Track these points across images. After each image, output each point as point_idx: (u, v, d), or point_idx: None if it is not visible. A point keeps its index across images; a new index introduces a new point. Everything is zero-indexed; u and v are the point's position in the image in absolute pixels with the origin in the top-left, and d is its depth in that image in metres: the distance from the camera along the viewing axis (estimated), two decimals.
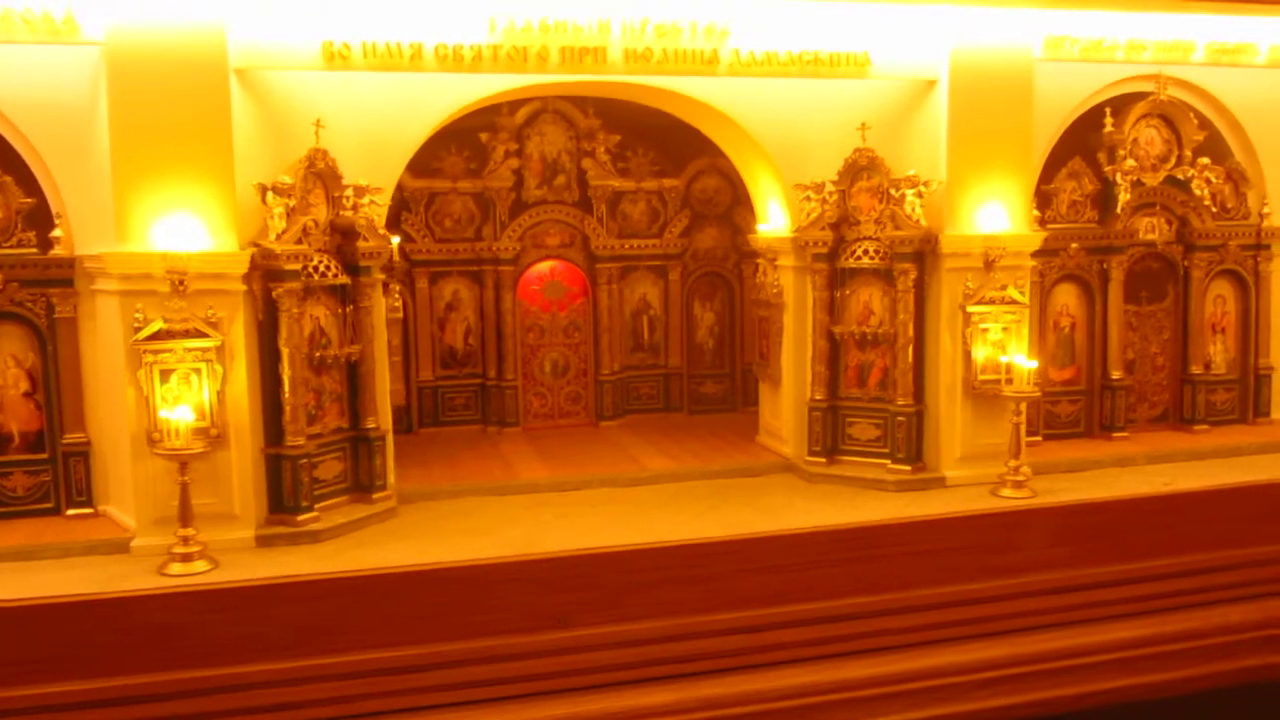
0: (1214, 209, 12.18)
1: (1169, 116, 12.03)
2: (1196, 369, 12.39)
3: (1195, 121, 12.08)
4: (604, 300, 13.52)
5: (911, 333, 10.63)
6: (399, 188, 12.88)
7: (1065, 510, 9.85)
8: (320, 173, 9.47)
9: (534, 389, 13.53)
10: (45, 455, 9.55)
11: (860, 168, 10.70)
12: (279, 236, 8.98)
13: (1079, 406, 12.20)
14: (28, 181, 9.27)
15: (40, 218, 9.31)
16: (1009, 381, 10.28)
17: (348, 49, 9.13)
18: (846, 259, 10.91)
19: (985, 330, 10.49)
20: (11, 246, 9.30)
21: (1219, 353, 12.64)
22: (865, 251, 10.79)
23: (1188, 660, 9.23)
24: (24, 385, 9.53)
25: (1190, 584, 9.64)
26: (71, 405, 9.52)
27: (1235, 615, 9.58)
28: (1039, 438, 11.89)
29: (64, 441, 9.52)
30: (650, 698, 8.32)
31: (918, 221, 10.41)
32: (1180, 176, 12.11)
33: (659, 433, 13.03)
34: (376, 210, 9.88)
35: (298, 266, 9.16)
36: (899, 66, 10.39)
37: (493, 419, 13.28)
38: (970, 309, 10.47)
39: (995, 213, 10.50)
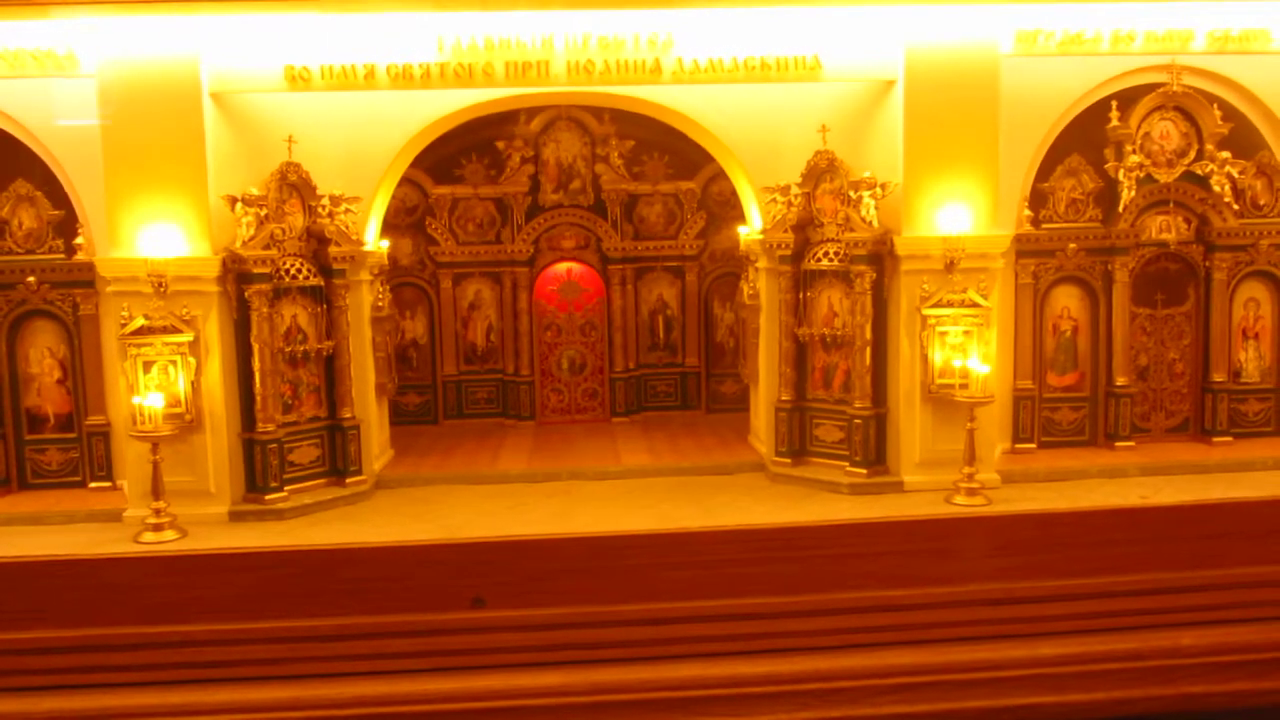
0: (1236, 206, 11.35)
1: (1186, 108, 11.31)
2: (1220, 377, 11.59)
3: (1218, 113, 11.28)
4: (617, 300, 13.93)
5: (869, 335, 10.53)
6: (423, 194, 13.81)
7: (1006, 520, 9.48)
8: (294, 184, 10.40)
9: (551, 385, 14.10)
10: (74, 435, 10.97)
11: (822, 170, 10.68)
12: (246, 243, 9.96)
13: (1082, 414, 11.66)
14: (57, 195, 10.66)
15: (67, 227, 10.69)
16: (964, 386, 10.06)
17: (308, 71, 9.99)
18: (810, 261, 10.92)
19: (944, 334, 10.28)
20: (44, 253, 10.74)
21: (1251, 360, 11.78)
22: (827, 254, 10.77)
23: (1119, 681, 8.77)
24: (57, 373, 10.96)
25: (1138, 604, 9.13)
26: (94, 391, 10.86)
27: (1187, 639, 9.03)
28: (1032, 445, 11.51)
29: (88, 423, 10.89)
30: (543, 679, 8.76)
31: (871, 223, 10.32)
32: (1199, 172, 11.37)
33: (663, 430, 13.35)
34: (353, 218, 10.72)
35: (268, 270, 10.12)
36: (853, 68, 10.30)
37: (511, 413, 13.95)
38: (926, 311, 10.28)
39: (957, 213, 10.23)
